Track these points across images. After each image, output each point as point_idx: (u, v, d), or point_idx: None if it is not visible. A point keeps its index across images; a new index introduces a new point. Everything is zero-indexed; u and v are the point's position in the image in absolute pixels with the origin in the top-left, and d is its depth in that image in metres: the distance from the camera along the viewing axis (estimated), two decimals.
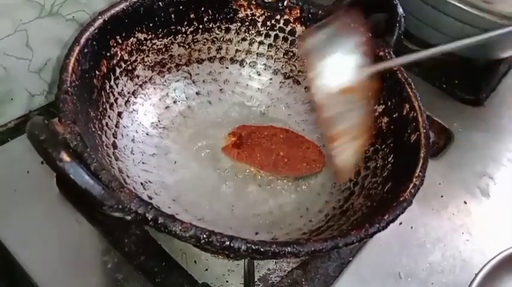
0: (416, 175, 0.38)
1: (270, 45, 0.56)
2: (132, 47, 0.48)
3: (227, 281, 0.46)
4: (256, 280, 0.46)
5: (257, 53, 0.56)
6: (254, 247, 0.30)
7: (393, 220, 0.35)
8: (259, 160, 0.49)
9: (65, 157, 0.27)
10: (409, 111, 0.45)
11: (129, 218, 0.31)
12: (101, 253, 0.46)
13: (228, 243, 0.30)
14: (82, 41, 0.40)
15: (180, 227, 0.30)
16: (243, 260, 0.44)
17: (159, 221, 0.30)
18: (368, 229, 0.33)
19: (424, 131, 0.42)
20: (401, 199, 0.36)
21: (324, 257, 0.48)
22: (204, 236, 0.30)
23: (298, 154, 0.50)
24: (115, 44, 0.46)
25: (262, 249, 0.31)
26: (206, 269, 0.46)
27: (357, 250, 0.50)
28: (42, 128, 0.28)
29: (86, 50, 0.40)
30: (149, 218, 0.30)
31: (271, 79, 0.57)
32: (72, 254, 0.45)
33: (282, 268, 0.47)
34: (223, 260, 0.47)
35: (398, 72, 0.47)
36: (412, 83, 0.46)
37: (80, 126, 0.35)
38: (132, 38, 0.48)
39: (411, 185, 0.37)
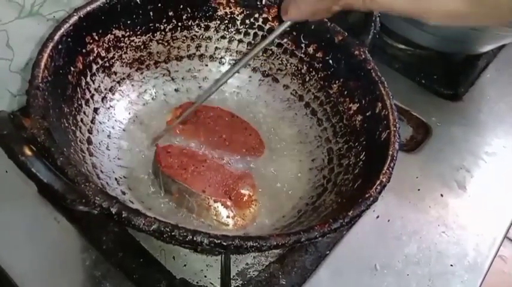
0: (384, 172, 0.39)
1: (249, 44, 0.56)
2: (109, 44, 0.48)
3: (205, 276, 0.46)
4: (234, 274, 0.47)
5: (236, 51, 0.57)
6: (216, 241, 0.31)
7: (357, 216, 0.35)
8: (202, 138, 0.50)
9: (26, 151, 0.27)
10: (381, 110, 0.45)
11: (95, 212, 0.32)
12: (79, 250, 0.46)
13: (190, 237, 0.31)
14: (56, 37, 0.40)
15: (143, 221, 0.31)
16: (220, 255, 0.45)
17: (123, 216, 0.31)
18: (331, 224, 0.34)
19: (394, 129, 0.43)
20: (366, 195, 0.37)
21: (300, 251, 0.49)
22: (167, 229, 0.31)
23: (240, 139, 0.51)
24: (91, 41, 0.46)
25: (224, 243, 0.31)
26: (185, 265, 0.47)
27: (334, 243, 0.51)
28: (5, 122, 0.28)
29: (60, 47, 0.41)
30: (113, 212, 0.31)
31: (250, 77, 0.57)
32: (50, 252, 0.46)
33: (260, 263, 0.48)
34: (201, 256, 0.47)
35: (372, 71, 0.48)
36: (385, 82, 0.47)
37: (50, 122, 0.36)
38: (109, 35, 0.48)
39: (378, 182, 0.38)
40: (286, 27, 0.44)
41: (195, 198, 0.45)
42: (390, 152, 0.41)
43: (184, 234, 0.31)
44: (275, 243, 0.32)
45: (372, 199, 0.37)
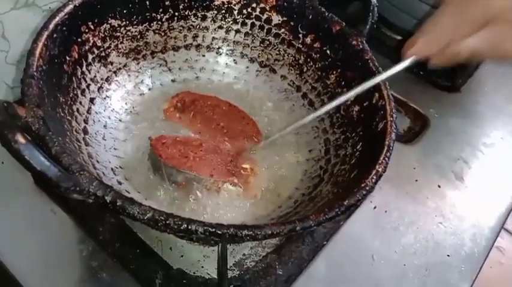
0: (380, 161, 0.39)
1: (246, 34, 0.56)
2: (105, 34, 0.48)
3: (202, 267, 0.46)
4: (231, 264, 0.47)
5: (234, 41, 0.56)
6: (211, 230, 0.31)
7: (352, 205, 0.35)
8: (199, 126, 0.50)
9: (20, 138, 0.27)
10: (378, 100, 0.45)
11: (90, 200, 0.32)
12: (75, 241, 0.46)
13: (185, 225, 0.31)
14: (51, 26, 0.40)
15: (138, 210, 0.31)
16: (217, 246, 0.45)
17: (118, 204, 0.31)
18: (327, 214, 0.34)
19: (391, 119, 0.43)
20: (362, 185, 0.37)
21: (298, 241, 0.49)
22: (162, 218, 0.31)
23: (237, 128, 0.51)
24: (87, 30, 0.46)
25: (219, 231, 0.31)
26: (182, 256, 0.47)
27: (331, 233, 0.51)
28: None
29: (55, 36, 0.40)
30: (108, 201, 0.31)
31: (247, 67, 0.57)
32: (47, 243, 0.46)
33: (257, 253, 0.48)
34: (198, 246, 0.47)
35: (370, 61, 0.48)
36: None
37: (45, 111, 0.36)
38: (105, 24, 0.48)
39: (373, 172, 0.38)
40: (407, 65, 0.43)
41: (205, 183, 0.45)
42: (387, 142, 0.40)
43: (179, 222, 0.31)
44: (270, 232, 0.32)
45: (367, 188, 0.37)
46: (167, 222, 0.31)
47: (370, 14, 0.49)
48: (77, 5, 0.43)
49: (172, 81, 0.54)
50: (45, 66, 0.38)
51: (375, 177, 0.38)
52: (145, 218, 0.31)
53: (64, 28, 0.42)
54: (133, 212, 0.31)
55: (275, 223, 0.33)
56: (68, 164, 0.31)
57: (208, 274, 0.46)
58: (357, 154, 0.45)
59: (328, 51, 0.52)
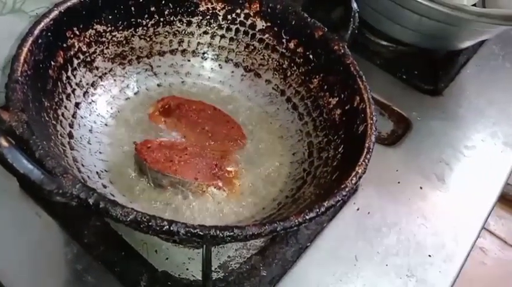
0: (360, 163, 0.40)
1: (231, 39, 0.57)
2: (91, 39, 0.49)
3: (187, 269, 0.47)
4: (216, 266, 0.47)
5: (219, 47, 0.57)
6: (193, 231, 0.32)
7: (333, 206, 0.36)
8: (185, 130, 0.51)
9: (3, 142, 0.28)
10: (359, 103, 0.46)
11: (73, 203, 0.32)
12: (60, 244, 0.46)
13: (167, 227, 0.31)
14: (36, 32, 0.41)
15: (120, 212, 0.31)
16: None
17: (101, 206, 0.31)
18: (307, 214, 0.35)
19: (371, 121, 0.44)
20: (342, 186, 0.38)
21: (281, 243, 0.50)
22: (144, 220, 0.31)
23: (222, 131, 0.52)
24: (72, 36, 0.46)
25: (201, 233, 0.32)
26: (167, 258, 0.47)
27: (315, 235, 0.51)
28: None
29: (40, 41, 0.41)
30: (91, 203, 0.31)
31: (232, 72, 0.58)
32: (32, 246, 0.46)
33: (241, 255, 0.49)
34: (183, 249, 0.48)
35: (351, 65, 0.49)
36: (364, 76, 0.48)
37: (30, 115, 0.36)
38: (90, 29, 0.48)
39: (353, 173, 0.39)
40: None
41: (189, 187, 0.46)
42: (367, 145, 0.41)
43: (161, 224, 0.31)
44: (251, 233, 0.33)
45: (347, 189, 0.37)
46: (149, 223, 0.31)
47: (352, 19, 0.50)
48: (62, 11, 0.44)
49: (158, 85, 0.55)
50: (29, 72, 0.39)
51: (354, 178, 0.38)
52: (128, 219, 0.31)
53: (49, 33, 0.42)
54: (116, 214, 0.31)
55: (256, 224, 0.33)
56: (52, 167, 0.32)
57: (193, 276, 0.46)
58: (339, 156, 0.46)
59: (311, 56, 0.53)
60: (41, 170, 0.29)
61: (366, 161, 0.40)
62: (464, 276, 0.54)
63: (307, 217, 0.35)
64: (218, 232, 0.32)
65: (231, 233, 0.32)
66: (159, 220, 0.31)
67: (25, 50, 0.39)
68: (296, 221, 0.34)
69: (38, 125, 0.39)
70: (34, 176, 0.29)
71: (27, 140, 0.33)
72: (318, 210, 0.35)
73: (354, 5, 0.51)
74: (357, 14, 0.51)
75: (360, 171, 0.39)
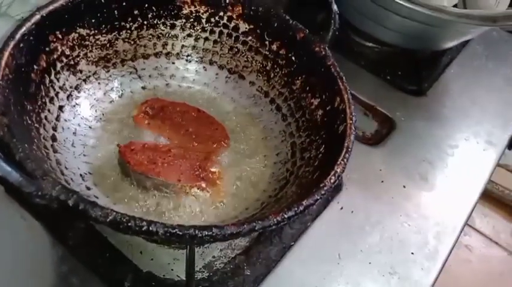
0: (338, 162, 0.40)
1: (215, 41, 0.57)
2: (74, 43, 0.49)
3: (172, 270, 0.47)
4: (201, 267, 0.48)
5: (203, 49, 0.58)
6: (172, 231, 0.32)
7: (311, 205, 0.37)
8: (168, 132, 0.51)
9: None
10: (340, 104, 0.47)
11: (54, 205, 0.32)
12: (45, 247, 0.47)
13: (146, 227, 0.32)
14: (17, 36, 0.41)
15: (100, 213, 0.32)
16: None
17: (80, 208, 0.32)
18: (285, 213, 0.35)
19: (351, 121, 0.44)
20: (321, 185, 0.38)
21: (266, 242, 0.51)
22: (124, 220, 0.32)
23: (206, 133, 0.52)
24: (55, 40, 0.47)
25: (180, 232, 0.32)
26: (152, 259, 0.48)
27: (299, 234, 0.52)
28: None
29: (21, 45, 0.41)
30: (70, 205, 0.32)
31: (217, 74, 0.58)
32: (17, 249, 0.46)
33: (226, 255, 0.49)
34: (168, 249, 0.49)
35: (331, 67, 0.49)
36: (344, 77, 0.48)
37: (11, 119, 0.36)
38: (73, 33, 0.48)
39: (332, 172, 0.39)
40: None
41: (172, 188, 0.46)
42: (346, 144, 0.42)
43: (141, 224, 0.32)
44: (229, 232, 0.33)
45: (325, 188, 0.38)
46: (129, 224, 0.32)
47: (332, 21, 0.51)
48: (44, 15, 0.44)
49: (143, 88, 0.55)
50: (11, 75, 0.39)
51: (333, 177, 0.39)
52: (108, 220, 0.32)
53: (31, 38, 0.43)
54: (95, 215, 0.32)
55: (235, 223, 0.34)
56: (32, 169, 0.32)
57: (178, 276, 0.47)
58: (320, 156, 0.46)
59: (293, 58, 0.53)
60: (19, 172, 0.30)
61: (345, 160, 0.41)
62: (450, 273, 0.55)
63: (285, 216, 0.35)
64: (197, 231, 0.32)
65: (210, 233, 0.33)
66: (138, 220, 0.32)
67: (6, 54, 0.39)
68: (275, 220, 0.35)
69: (20, 128, 0.39)
70: (12, 178, 0.29)
71: (8, 143, 0.33)
72: (296, 209, 0.36)
73: (335, 7, 0.51)
74: (337, 16, 0.51)
75: (338, 170, 0.40)
